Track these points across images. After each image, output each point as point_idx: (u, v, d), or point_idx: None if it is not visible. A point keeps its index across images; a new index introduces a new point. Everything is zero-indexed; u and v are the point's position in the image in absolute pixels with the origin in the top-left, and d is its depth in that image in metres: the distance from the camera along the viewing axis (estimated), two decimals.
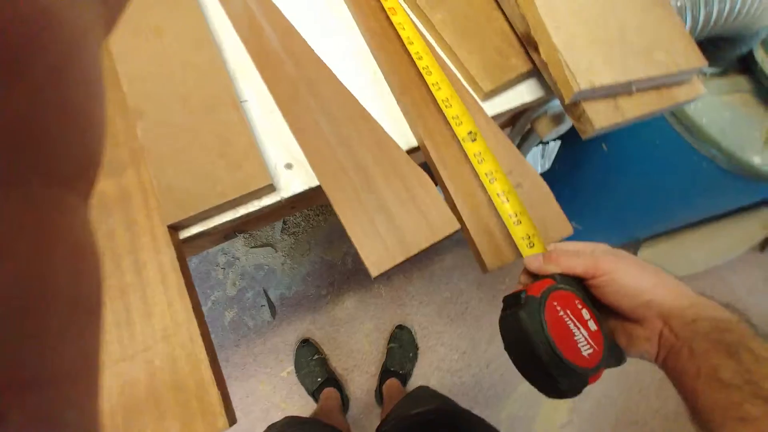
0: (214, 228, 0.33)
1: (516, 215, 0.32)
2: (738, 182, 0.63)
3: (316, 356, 0.97)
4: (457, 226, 0.32)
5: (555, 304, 0.26)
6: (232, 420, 0.28)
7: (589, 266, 0.27)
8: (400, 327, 1.01)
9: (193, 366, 0.28)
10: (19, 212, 0.08)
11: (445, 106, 0.34)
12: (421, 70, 0.35)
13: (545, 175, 0.42)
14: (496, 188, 0.33)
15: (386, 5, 0.37)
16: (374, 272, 0.30)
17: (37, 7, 0.08)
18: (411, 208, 0.33)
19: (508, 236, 0.32)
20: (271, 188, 0.33)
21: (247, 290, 1.05)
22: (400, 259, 0.31)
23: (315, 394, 0.92)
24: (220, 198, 0.32)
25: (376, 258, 0.31)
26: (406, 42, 0.36)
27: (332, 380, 0.94)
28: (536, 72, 0.38)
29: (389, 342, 1.00)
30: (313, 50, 0.37)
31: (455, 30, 0.38)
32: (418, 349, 1.01)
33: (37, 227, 0.09)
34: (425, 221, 0.32)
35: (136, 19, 0.36)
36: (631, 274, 0.26)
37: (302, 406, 0.96)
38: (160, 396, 0.27)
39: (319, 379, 0.92)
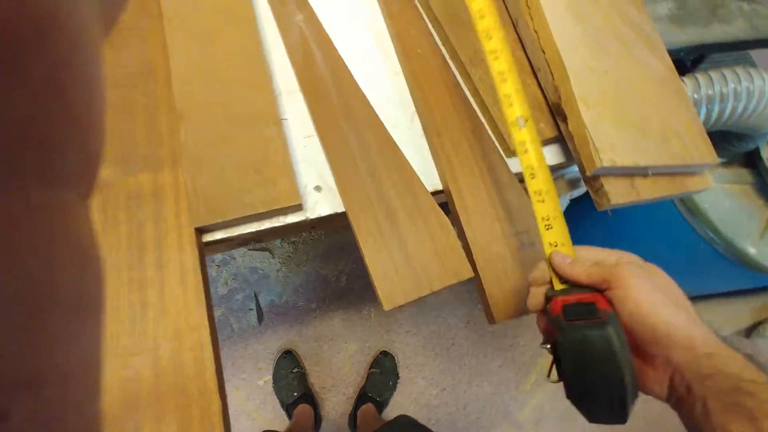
0: (237, 236, 0.35)
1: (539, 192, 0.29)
2: (733, 268, 0.65)
3: (296, 369, 0.96)
4: (471, 273, 0.34)
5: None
6: None
7: (607, 275, 0.24)
8: (384, 353, 1.01)
9: (198, 372, 0.29)
10: (20, 212, 0.08)
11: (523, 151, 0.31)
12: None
13: None
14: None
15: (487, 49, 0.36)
16: (387, 305, 0.31)
17: (39, 8, 0.08)
18: (429, 248, 0.34)
19: (519, 292, 0.33)
20: (298, 207, 0.35)
21: (238, 291, 1.04)
22: (413, 296, 0.32)
23: (289, 408, 0.90)
24: (249, 209, 0.33)
25: (390, 291, 0.32)
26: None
27: (309, 396, 0.93)
28: (560, 139, 0.41)
29: (371, 366, 0.99)
30: (357, 84, 0.39)
31: (492, 90, 0.40)
32: (398, 378, 1.00)
33: (38, 227, 0.09)
34: (441, 263, 0.33)
35: (193, 24, 0.38)
36: (650, 297, 0.23)
37: (274, 418, 0.94)
38: (162, 396, 0.28)
39: (295, 393, 0.91)
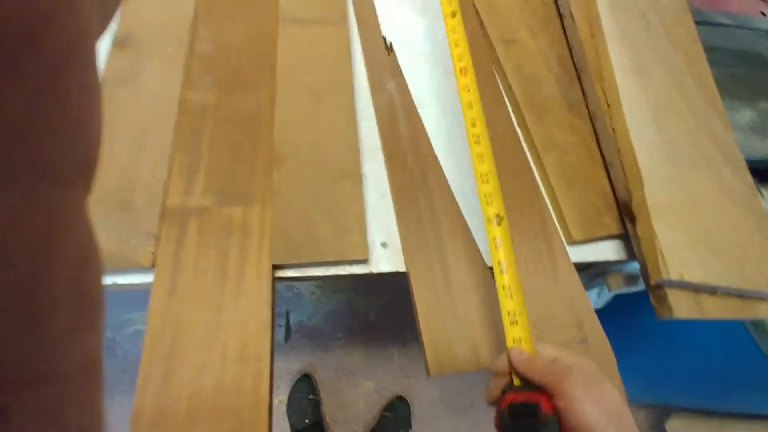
0: (306, 276, 0.38)
1: (513, 313, 0.30)
2: None
3: (311, 396, 0.97)
4: None
5: None
6: None
7: (556, 384, 0.25)
8: (400, 398, 1.00)
9: (253, 401, 0.31)
10: (19, 209, 0.08)
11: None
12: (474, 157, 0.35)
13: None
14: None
15: (457, 66, 0.39)
16: (434, 372, 0.33)
17: (38, 6, 0.08)
18: (485, 322, 0.35)
19: None
20: (365, 261, 0.37)
21: None
22: (462, 369, 0.33)
23: None
24: (323, 256, 0.36)
25: (439, 359, 0.33)
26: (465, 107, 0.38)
27: (319, 426, 0.93)
28: (625, 235, 0.41)
29: (384, 409, 0.98)
30: (435, 153, 0.42)
31: (561, 175, 0.42)
32: (410, 428, 0.98)
33: (37, 224, 0.09)
34: (498, 340, 0.34)
35: (300, 79, 0.43)
36: (592, 417, 0.23)
37: None
38: (219, 417, 0.30)
39: (307, 420, 0.92)
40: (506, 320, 0.30)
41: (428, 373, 0.33)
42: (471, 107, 0.37)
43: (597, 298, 0.62)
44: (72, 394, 0.10)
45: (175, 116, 0.40)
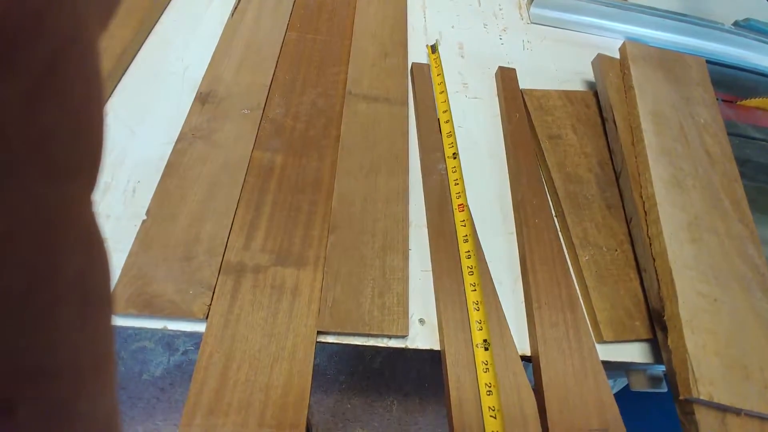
0: (344, 343, 0.39)
1: (493, 409, 0.34)
2: None
3: None
4: None
5: None
6: None
7: None
8: None
9: None
10: (23, 206, 0.08)
11: (474, 309, 0.40)
12: (464, 269, 0.42)
13: None
14: None
15: (456, 202, 0.45)
16: None
17: (33, 1, 0.08)
18: (516, 415, 0.36)
19: None
20: (403, 337, 0.39)
21: None
22: None
23: None
24: (365, 328, 0.38)
25: None
26: (461, 239, 0.44)
27: None
28: (654, 339, 0.42)
29: None
30: (479, 240, 0.45)
31: (596, 275, 0.44)
32: None
33: (41, 221, 0.09)
34: (519, 427, 0.35)
35: (360, 153, 0.47)
36: None
37: None
38: None
39: None
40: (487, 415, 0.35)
41: None
42: (467, 240, 0.43)
43: (612, 384, 0.62)
44: (83, 388, 0.10)
45: (243, 174, 0.44)
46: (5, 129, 0.08)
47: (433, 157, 0.49)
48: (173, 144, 0.45)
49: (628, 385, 0.64)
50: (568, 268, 0.45)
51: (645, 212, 0.46)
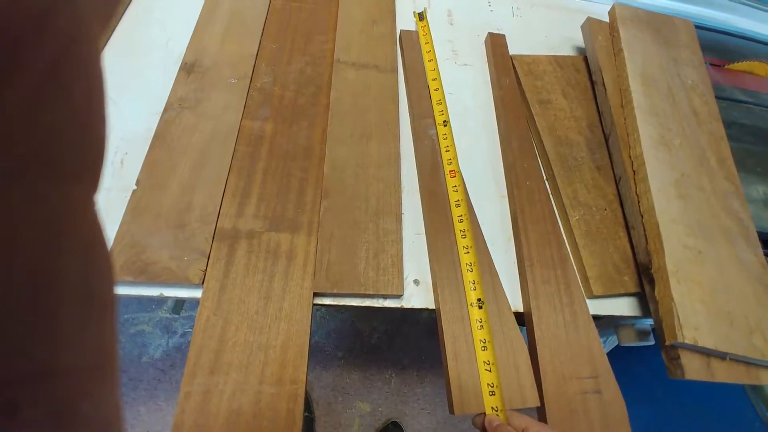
0: (341, 305, 0.40)
1: (488, 363, 0.37)
2: None
3: (306, 413, 0.97)
4: (537, 402, 0.36)
5: None
6: None
7: None
8: (394, 424, 1.00)
9: (287, 424, 0.33)
10: (28, 207, 0.08)
11: (467, 270, 0.41)
12: (457, 233, 0.42)
13: None
14: None
15: (447, 168, 0.46)
16: (458, 411, 0.35)
17: (37, 4, 0.08)
18: (508, 366, 0.37)
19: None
20: (398, 296, 0.40)
21: None
22: (484, 409, 0.35)
23: None
24: (360, 288, 0.38)
25: (463, 399, 0.35)
26: (453, 204, 0.45)
27: None
28: (640, 293, 0.43)
29: None
30: (471, 202, 0.45)
31: (586, 233, 0.45)
32: None
33: (46, 221, 0.09)
34: (518, 384, 0.36)
35: (350, 120, 0.47)
36: None
37: None
38: None
39: None
40: (485, 390, 0.36)
41: (451, 411, 0.35)
42: (459, 205, 0.43)
43: (603, 345, 0.64)
44: (86, 388, 0.10)
45: (233, 143, 0.43)
46: (10, 131, 0.08)
47: (423, 123, 0.49)
48: (160, 115, 0.45)
49: (617, 346, 0.66)
50: (559, 228, 0.45)
51: (633, 171, 0.46)
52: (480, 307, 0.39)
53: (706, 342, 0.36)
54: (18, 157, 0.08)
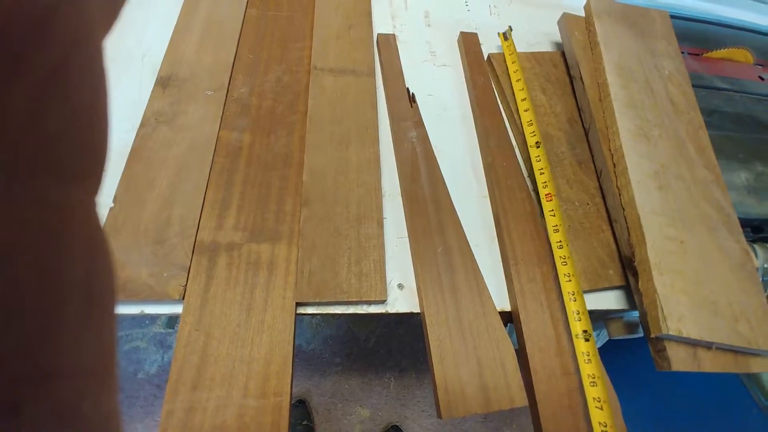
0: (325, 313, 0.40)
1: (599, 400, 0.35)
2: None
3: (305, 422, 0.96)
4: (525, 402, 0.36)
5: None
6: None
7: None
8: (395, 428, 0.99)
9: None
10: (30, 206, 0.08)
11: (570, 300, 0.39)
12: (557, 260, 0.41)
13: None
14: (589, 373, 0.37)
15: (543, 192, 0.44)
16: (445, 415, 0.34)
17: (40, 5, 0.08)
18: (494, 366, 0.37)
19: (573, 427, 0.35)
20: (382, 302, 0.39)
21: None
22: (472, 411, 0.34)
23: None
24: (343, 296, 0.38)
25: (450, 402, 0.35)
26: (550, 228, 0.42)
27: None
28: (626, 286, 0.43)
29: None
30: (452, 202, 0.45)
31: (570, 229, 0.45)
32: None
33: (49, 223, 0.09)
34: (506, 384, 0.36)
35: (329, 126, 0.47)
36: None
37: None
38: None
39: None
40: (597, 429, 0.34)
41: (439, 415, 0.35)
42: (557, 230, 0.41)
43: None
44: (87, 388, 0.10)
45: (211, 155, 0.43)
46: (13, 133, 0.08)
47: (403, 125, 0.49)
48: (136, 130, 0.44)
49: (609, 340, 0.66)
50: (542, 225, 0.45)
51: (614, 164, 0.46)
52: (587, 340, 0.37)
53: (691, 332, 0.36)
54: (22, 159, 0.08)
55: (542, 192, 0.44)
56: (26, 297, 0.08)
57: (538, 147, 0.46)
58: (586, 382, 0.35)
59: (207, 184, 0.42)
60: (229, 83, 0.49)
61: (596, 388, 0.35)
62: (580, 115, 0.53)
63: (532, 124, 0.48)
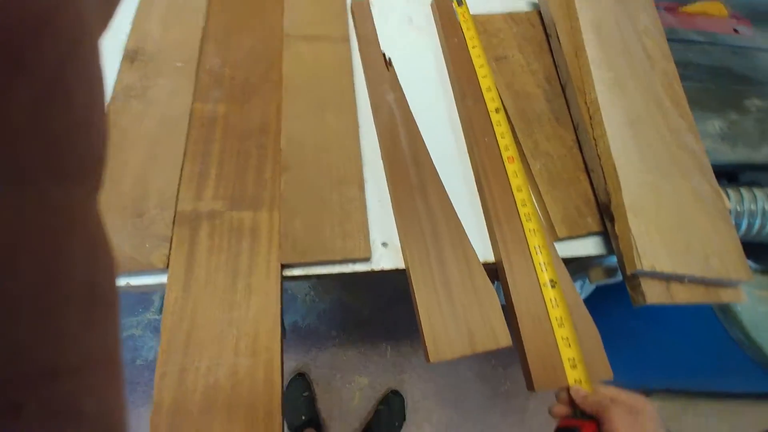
0: (312, 275, 0.40)
1: (567, 339, 0.38)
2: (760, 373, 0.65)
3: (306, 393, 0.99)
4: (509, 341, 0.38)
5: None
6: None
7: (601, 412, 0.31)
8: (394, 392, 1.03)
9: (267, 389, 0.33)
10: (32, 208, 0.08)
11: (536, 253, 0.41)
12: (522, 217, 0.43)
13: None
14: (556, 313, 0.39)
15: (505, 155, 0.45)
16: (433, 358, 0.36)
17: (39, 5, 0.08)
18: (477, 312, 0.38)
19: (561, 365, 0.37)
20: (367, 259, 0.40)
21: None
22: (458, 354, 0.36)
23: (296, 431, 0.93)
24: (328, 255, 0.39)
25: (437, 346, 0.36)
26: (514, 188, 0.44)
27: (316, 422, 0.95)
28: (604, 233, 0.45)
29: (380, 403, 1.01)
30: (432, 162, 0.45)
31: (548, 180, 0.46)
32: (405, 419, 1.01)
33: (51, 222, 0.09)
34: (490, 327, 0.38)
35: (305, 93, 0.46)
36: None
37: None
38: (234, 407, 0.33)
39: (303, 417, 0.94)
40: (567, 364, 0.37)
41: (427, 359, 0.36)
42: (520, 190, 0.43)
43: (579, 290, 0.66)
44: (89, 386, 0.10)
45: (186, 127, 0.43)
46: (15, 134, 0.08)
47: (380, 89, 0.49)
48: (106, 106, 0.43)
49: (594, 291, 0.68)
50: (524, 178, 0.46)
51: (590, 116, 0.47)
52: (552, 287, 0.40)
53: (664, 267, 0.38)
54: (24, 161, 0.08)
55: (504, 155, 0.45)
56: (29, 297, 0.08)
57: (497, 113, 0.47)
58: (554, 324, 0.38)
59: (184, 156, 0.42)
60: (199, 55, 0.48)
61: (564, 329, 0.38)
62: (557, 71, 0.54)
63: (490, 90, 0.49)
